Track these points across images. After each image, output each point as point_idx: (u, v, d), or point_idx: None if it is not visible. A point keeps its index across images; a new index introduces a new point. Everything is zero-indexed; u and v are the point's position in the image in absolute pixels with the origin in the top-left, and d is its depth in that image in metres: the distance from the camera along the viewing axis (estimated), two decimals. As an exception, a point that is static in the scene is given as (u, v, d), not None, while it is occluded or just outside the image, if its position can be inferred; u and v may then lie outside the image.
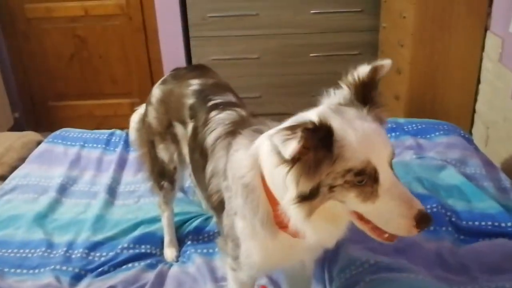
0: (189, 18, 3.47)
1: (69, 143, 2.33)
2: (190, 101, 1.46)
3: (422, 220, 0.95)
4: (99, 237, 1.77)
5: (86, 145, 2.33)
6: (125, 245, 1.71)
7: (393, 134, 2.27)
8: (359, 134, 0.96)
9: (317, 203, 0.97)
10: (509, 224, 1.66)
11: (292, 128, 0.90)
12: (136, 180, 2.09)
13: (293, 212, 0.99)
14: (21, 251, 1.68)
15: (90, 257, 1.69)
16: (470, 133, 2.89)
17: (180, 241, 1.77)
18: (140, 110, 1.76)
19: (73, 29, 3.54)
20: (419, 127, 2.31)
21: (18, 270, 1.61)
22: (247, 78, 3.60)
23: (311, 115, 0.97)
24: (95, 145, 2.33)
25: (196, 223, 1.83)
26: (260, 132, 1.14)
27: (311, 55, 3.56)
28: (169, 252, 1.71)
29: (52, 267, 1.61)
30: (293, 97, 3.68)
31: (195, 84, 1.50)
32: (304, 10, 3.43)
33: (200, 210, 1.89)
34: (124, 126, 3.76)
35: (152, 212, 1.84)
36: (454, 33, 2.69)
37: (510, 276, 1.44)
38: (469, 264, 1.52)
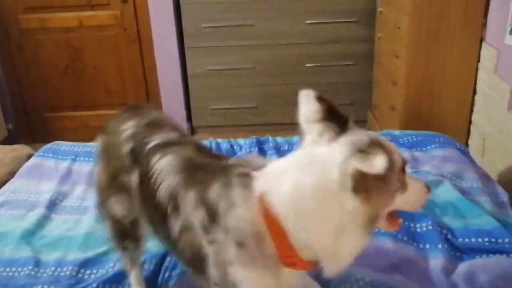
0: (184, 28, 3.46)
1: (60, 156, 2.30)
2: (127, 147, 1.33)
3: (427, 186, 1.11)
4: (89, 254, 1.72)
5: (77, 158, 2.30)
6: (117, 262, 1.67)
7: (388, 146, 2.25)
8: None
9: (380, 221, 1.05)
10: (506, 240, 1.63)
11: (363, 150, 0.90)
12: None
13: (354, 241, 0.98)
14: (8, 269, 1.64)
15: (80, 275, 1.64)
16: (467, 144, 2.87)
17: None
18: None
19: (68, 39, 3.53)
20: (415, 139, 2.28)
21: (5, 290, 1.58)
22: (242, 88, 3.59)
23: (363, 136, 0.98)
24: (86, 158, 2.30)
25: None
26: (249, 175, 1.05)
27: (306, 65, 3.55)
28: None
29: (40, 286, 1.57)
30: (289, 107, 3.61)
31: (129, 127, 1.35)
32: (299, 20, 3.42)
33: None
34: (119, 137, 3.78)
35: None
36: (449, 44, 2.68)
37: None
38: (465, 281, 1.49)
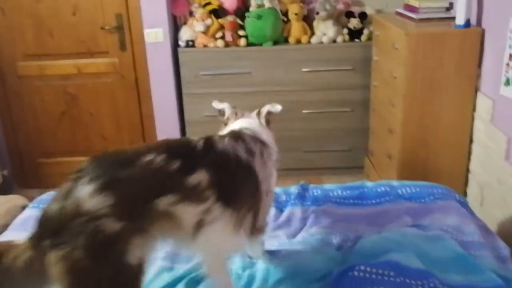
0: (182, 76, 3.49)
1: (55, 207, 2.26)
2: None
3: None
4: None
5: (72, 209, 2.26)
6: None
7: (387, 197, 2.23)
8: None
9: None
10: (508, 297, 1.59)
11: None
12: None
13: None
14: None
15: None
16: (465, 193, 2.86)
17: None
18: None
19: (65, 86, 3.55)
20: (413, 190, 2.27)
21: None
22: (239, 134, 3.59)
23: None
24: (82, 209, 2.26)
25: None
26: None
27: (303, 111, 3.57)
28: None
29: None
30: (285, 152, 3.64)
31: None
32: (295, 68, 3.47)
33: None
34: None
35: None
36: (444, 94, 2.71)
37: None
38: None
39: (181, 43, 3.47)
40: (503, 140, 2.44)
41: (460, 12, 2.63)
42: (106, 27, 3.41)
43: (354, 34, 3.46)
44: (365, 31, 3.45)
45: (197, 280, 1.68)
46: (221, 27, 3.45)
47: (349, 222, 2.07)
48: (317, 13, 3.44)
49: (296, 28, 3.48)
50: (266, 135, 1.67)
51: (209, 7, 3.47)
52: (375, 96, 3.33)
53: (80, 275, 1.15)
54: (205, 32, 3.43)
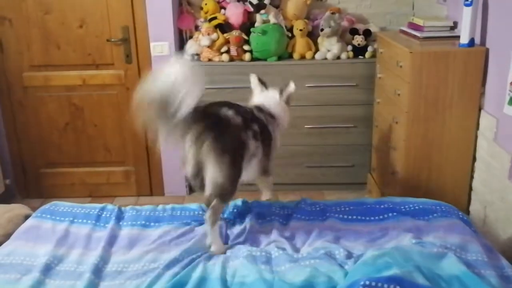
0: (185, 89, 3.50)
1: (57, 218, 2.26)
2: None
3: None
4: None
5: (75, 220, 2.26)
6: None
7: (390, 214, 2.23)
8: None
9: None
10: (513, 317, 1.58)
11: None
12: (125, 259, 2.01)
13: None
14: None
15: None
16: (468, 210, 2.85)
17: None
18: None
19: (70, 97, 3.57)
20: (417, 207, 2.27)
21: None
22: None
23: None
24: (84, 220, 2.27)
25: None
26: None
27: (306, 126, 3.58)
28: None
29: None
30: (288, 167, 3.67)
31: None
32: (299, 84, 3.43)
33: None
34: (116, 194, 3.74)
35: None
36: (447, 112, 2.72)
37: None
38: None
39: (187, 56, 3.49)
40: (506, 158, 2.44)
41: (464, 31, 2.65)
42: (112, 40, 3.44)
43: (358, 51, 3.49)
44: (369, 48, 3.48)
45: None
46: (226, 42, 3.48)
47: (353, 238, 2.07)
48: (322, 30, 3.47)
49: (300, 44, 3.51)
50: (280, 111, 2.37)
51: (215, 22, 3.50)
52: (378, 113, 3.34)
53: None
54: (210, 46, 3.45)
